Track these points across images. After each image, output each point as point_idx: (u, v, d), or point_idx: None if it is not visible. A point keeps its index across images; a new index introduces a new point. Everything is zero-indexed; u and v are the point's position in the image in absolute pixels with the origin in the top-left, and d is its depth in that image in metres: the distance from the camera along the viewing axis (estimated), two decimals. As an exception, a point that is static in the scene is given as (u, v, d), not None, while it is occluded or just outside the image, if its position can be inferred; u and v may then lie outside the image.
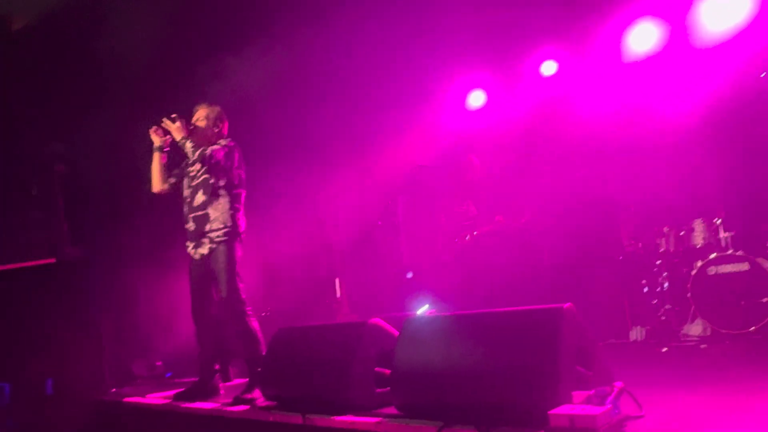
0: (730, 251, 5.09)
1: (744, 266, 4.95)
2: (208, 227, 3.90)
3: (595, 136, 6.28)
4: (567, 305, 2.39)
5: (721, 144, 5.64)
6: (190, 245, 4.00)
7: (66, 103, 5.61)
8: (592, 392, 2.23)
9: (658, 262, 5.61)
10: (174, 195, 4.21)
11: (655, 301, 5.55)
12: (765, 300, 4.76)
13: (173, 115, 3.95)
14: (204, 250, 3.92)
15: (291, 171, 6.99)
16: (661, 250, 5.61)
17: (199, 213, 3.93)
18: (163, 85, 5.60)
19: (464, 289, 5.88)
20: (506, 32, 6.42)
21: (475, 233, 5.98)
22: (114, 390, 4.78)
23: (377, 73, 6.75)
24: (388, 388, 2.83)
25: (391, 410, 2.74)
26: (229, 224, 3.91)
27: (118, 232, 5.91)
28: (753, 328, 4.76)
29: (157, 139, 4.06)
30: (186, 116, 4.06)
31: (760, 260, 4.92)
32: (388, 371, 2.88)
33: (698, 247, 5.39)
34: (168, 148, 4.12)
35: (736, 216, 5.32)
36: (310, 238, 7.13)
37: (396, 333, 2.97)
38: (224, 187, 3.94)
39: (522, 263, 6.37)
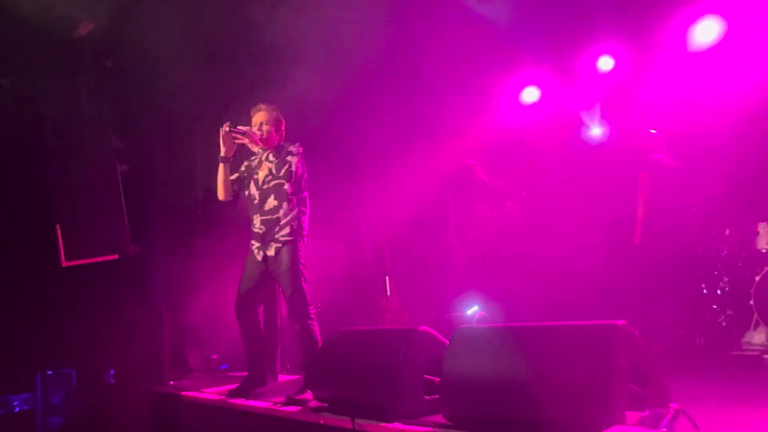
0: (797, 257, 4.87)
1: (813, 273, 4.72)
2: (278, 230, 3.98)
3: (652, 136, 6.08)
4: (621, 322, 2.34)
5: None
6: (256, 245, 4.07)
7: (128, 102, 5.81)
8: (646, 413, 2.18)
9: (719, 266, 5.41)
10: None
11: (715, 307, 5.36)
12: (835, 309, 4.53)
13: (245, 129, 4.04)
14: (270, 251, 3.99)
15: (342, 167, 7.06)
16: (723, 253, 5.41)
17: (271, 217, 4.00)
18: (218, 89, 5.74)
19: (515, 291, 5.82)
20: (564, 27, 6.29)
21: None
22: (172, 383, 4.96)
23: (431, 70, 6.73)
24: (437, 395, 2.84)
25: (439, 418, 2.75)
26: (296, 227, 4.00)
27: (175, 229, 6.10)
28: (821, 338, 4.55)
29: (225, 148, 4.10)
30: (244, 120, 4.14)
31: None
32: (437, 379, 2.89)
33: (763, 251, 5.18)
34: (232, 157, 4.18)
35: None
36: (360, 236, 7.20)
37: (445, 341, 2.97)
38: (294, 193, 4.04)
39: (573, 263, 6.26)
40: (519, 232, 5.95)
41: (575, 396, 2.24)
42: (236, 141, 4.05)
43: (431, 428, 2.65)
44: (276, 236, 3.97)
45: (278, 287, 4.22)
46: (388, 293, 6.26)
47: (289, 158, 3.99)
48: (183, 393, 4.37)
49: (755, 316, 4.99)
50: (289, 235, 3.95)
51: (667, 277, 5.81)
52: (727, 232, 5.44)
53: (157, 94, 5.61)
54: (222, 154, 4.09)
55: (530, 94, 7.28)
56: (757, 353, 4.76)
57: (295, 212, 3.99)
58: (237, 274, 4.31)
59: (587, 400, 2.21)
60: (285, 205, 3.98)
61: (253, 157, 4.23)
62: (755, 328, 5.06)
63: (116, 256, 5.37)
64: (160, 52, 5.14)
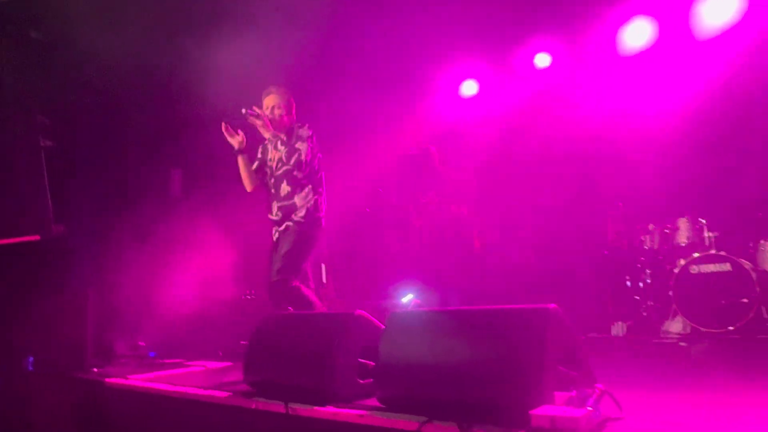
0: (713, 251, 5.16)
1: (726, 266, 5.02)
2: (293, 214, 4.01)
3: (585, 133, 6.30)
4: (553, 306, 2.40)
5: (708, 145, 5.69)
6: (274, 230, 4.11)
7: (55, 76, 5.51)
8: (573, 393, 2.25)
9: (642, 259, 5.67)
10: (158, 178, 4.19)
11: (637, 297, 5.62)
12: (745, 300, 4.84)
13: (258, 112, 3.96)
14: (283, 228, 4.04)
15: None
16: (646, 247, 5.67)
17: (287, 203, 4.02)
18: (153, 68, 5.51)
19: (446, 280, 5.90)
20: (501, 21, 6.39)
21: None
22: (96, 369, 4.76)
23: (369, 59, 6.71)
24: (371, 379, 2.85)
25: (373, 402, 2.75)
26: (312, 209, 4.02)
27: (106, 211, 5.85)
28: (732, 327, 4.84)
29: (235, 142, 4.07)
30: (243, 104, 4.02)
31: (741, 261, 4.99)
32: (371, 363, 2.89)
33: (682, 245, 5.46)
34: (245, 147, 4.12)
35: (720, 217, 5.38)
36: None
37: (381, 325, 2.98)
38: (307, 176, 4.03)
39: (506, 253, 6.41)
40: (463, 225, 6.01)
41: (507, 377, 2.28)
42: (252, 123, 3.97)
43: (365, 411, 2.65)
44: (292, 218, 4.01)
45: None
46: (324, 281, 6.22)
47: (298, 145, 3.96)
48: (107, 380, 4.20)
49: (674, 306, 5.26)
50: (303, 217, 3.99)
51: (594, 269, 6.06)
52: (650, 226, 5.71)
53: (87, 68, 5.34)
54: (235, 147, 4.06)
55: (469, 88, 7.39)
56: (674, 341, 5.02)
57: (310, 196, 4.01)
58: (170, 259, 4.20)
59: (518, 381, 2.26)
60: (299, 190, 4.00)
61: (265, 142, 4.19)
62: (673, 317, 5.34)
63: (38, 237, 5.09)
64: (90, 24, 4.89)
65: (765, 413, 2.43)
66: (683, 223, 5.48)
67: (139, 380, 4.10)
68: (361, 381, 2.98)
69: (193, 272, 5.76)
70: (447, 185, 5.97)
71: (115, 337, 5.60)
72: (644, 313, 5.55)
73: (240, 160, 4.11)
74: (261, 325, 3.48)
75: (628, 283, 5.77)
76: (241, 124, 4.08)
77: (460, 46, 6.69)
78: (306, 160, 3.95)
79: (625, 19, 6.18)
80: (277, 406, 2.95)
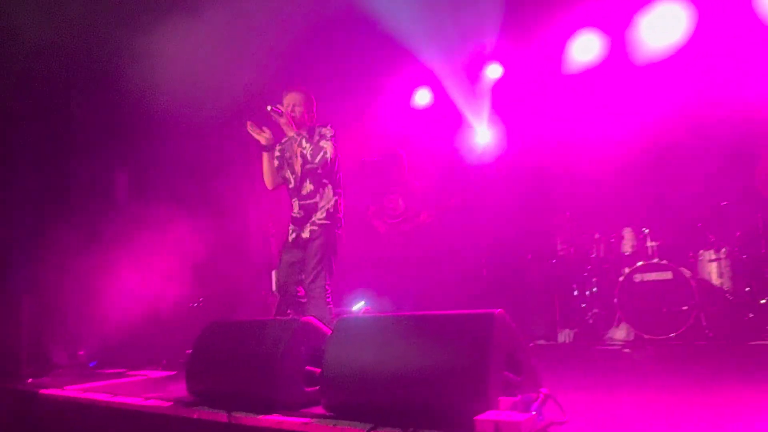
0: (655, 260, 5.31)
1: (667, 275, 5.17)
2: (314, 214, 3.99)
3: (536, 144, 6.42)
4: (498, 311, 2.41)
5: (652, 159, 5.88)
6: (291, 228, 4.05)
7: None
8: (518, 398, 2.26)
9: (588, 267, 5.80)
10: (103, 181, 4.05)
11: (583, 305, 5.73)
12: (685, 308, 4.99)
13: (282, 110, 3.94)
14: (305, 233, 3.98)
15: (233, 159, 6.83)
16: (592, 255, 5.80)
17: (309, 202, 4.01)
18: (97, 64, 5.34)
19: (400, 287, 5.90)
20: (455, 30, 6.46)
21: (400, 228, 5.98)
22: (30, 380, 4.55)
23: (323, 65, 6.68)
24: (318, 386, 2.80)
25: (319, 410, 2.70)
26: (332, 210, 4.01)
27: (46, 214, 5.63)
28: (673, 334, 4.99)
29: (262, 138, 4.05)
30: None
31: (682, 269, 5.15)
32: (318, 370, 2.84)
33: (627, 254, 5.60)
34: (273, 145, 4.10)
35: (662, 227, 5.56)
36: (248, 228, 7.00)
37: (328, 331, 2.93)
38: (328, 175, 4.03)
39: (458, 261, 6.45)
40: (425, 232, 5.98)
41: (452, 382, 2.28)
42: (276, 120, 3.92)
43: (310, 419, 2.60)
44: (313, 219, 3.98)
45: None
46: (274, 288, 6.12)
47: (323, 143, 3.94)
48: (42, 391, 4.01)
49: (618, 313, 5.39)
50: (325, 218, 3.96)
51: (543, 277, 6.16)
52: (596, 235, 5.85)
53: (26, 63, 5.12)
54: (263, 143, 4.05)
55: (422, 97, 7.43)
56: (618, 347, 5.14)
57: (331, 195, 4.01)
58: (117, 264, 4.05)
59: (464, 387, 2.26)
60: (321, 189, 3.99)
61: (284, 140, 4.14)
62: (618, 324, 5.47)
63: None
64: (29, 17, 4.70)
65: (701, 414, 2.50)
66: (628, 233, 5.64)
67: (76, 391, 3.94)
68: (308, 388, 2.93)
69: (137, 279, 5.59)
70: (414, 192, 5.95)
71: (52, 345, 5.37)
72: (590, 321, 5.67)
73: (265, 157, 4.10)
74: (205, 333, 3.39)
75: (575, 292, 5.88)
76: (265, 121, 4.06)
77: (413, 54, 6.73)
78: (331, 159, 3.94)
79: (573, 33, 6.34)
80: (219, 416, 2.87)
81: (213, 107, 5.71)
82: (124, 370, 4.99)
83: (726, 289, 5.17)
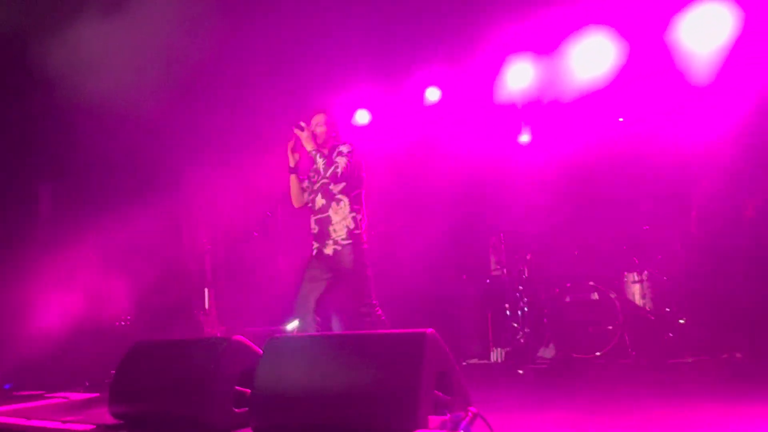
0: (583, 281, 5.50)
1: (594, 296, 5.36)
2: (331, 229, 4.03)
3: (471, 164, 6.57)
4: (430, 331, 2.44)
5: (581, 183, 6.13)
6: (315, 245, 4.11)
7: None
8: (447, 417, 2.29)
9: (520, 288, 5.94)
10: (22, 195, 3.85)
11: (515, 324, 5.86)
12: (610, 327, 5.18)
13: (303, 126, 4.06)
14: (329, 250, 4.01)
15: (166, 174, 6.67)
16: (524, 276, 5.95)
17: (321, 216, 4.07)
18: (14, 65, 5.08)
19: (334, 306, 5.85)
20: (395, 53, 6.57)
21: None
22: (-64, 404, 4.24)
23: (262, 82, 6.64)
24: (247, 408, 2.74)
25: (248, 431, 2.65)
26: (351, 226, 4.02)
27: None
28: (599, 353, 5.16)
29: (293, 160, 4.18)
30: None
31: (608, 291, 5.35)
32: (248, 391, 2.79)
33: (556, 275, 5.77)
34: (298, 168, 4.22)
35: (591, 249, 5.77)
36: (182, 246, 6.82)
37: (260, 351, 2.89)
38: (342, 191, 4.06)
39: (392, 280, 6.46)
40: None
41: (384, 402, 2.28)
42: (298, 135, 4.04)
43: (238, 441, 2.54)
44: (333, 236, 4.02)
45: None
46: (207, 306, 5.98)
47: (337, 159, 4.03)
48: (-51, 415, 3.75)
49: (548, 333, 5.54)
50: (347, 237, 3.99)
51: (477, 297, 6.27)
52: (528, 256, 6.01)
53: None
54: (291, 164, 4.18)
55: (362, 117, 7.49)
56: (547, 366, 5.27)
57: (347, 212, 4.03)
58: (38, 282, 3.85)
59: (395, 406, 2.26)
60: (334, 204, 4.04)
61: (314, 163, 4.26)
62: (547, 344, 5.62)
63: None
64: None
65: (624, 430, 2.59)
66: (558, 255, 5.82)
67: (-13, 415, 3.70)
68: (237, 410, 2.87)
69: (60, 296, 5.34)
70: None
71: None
72: (521, 340, 5.80)
73: (293, 179, 4.22)
74: (131, 353, 3.27)
75: (508, 311, 6.01)
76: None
77: (353, 75, 6.79)
78: (343, 174, 4.00)
79: (506, 60, 6.55)
80: (143, 439, 2.77)
81: (143, 117, 5.57)
82: (43, 392, 4.74)
83: (648, 309, 5.41)
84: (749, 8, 5.31)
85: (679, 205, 5.44)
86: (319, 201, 4.08)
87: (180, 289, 6.25)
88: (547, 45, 6.29)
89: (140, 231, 5.96)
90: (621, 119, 6.14)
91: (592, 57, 6.07)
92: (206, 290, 6.06)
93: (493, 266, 6.30)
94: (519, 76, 6.54)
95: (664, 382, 4.28)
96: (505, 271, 6.14)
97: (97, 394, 4.46)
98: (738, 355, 4.80)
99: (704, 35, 5.51)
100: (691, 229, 5.29)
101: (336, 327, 4.44)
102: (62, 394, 4.55)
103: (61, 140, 5.72)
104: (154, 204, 6.16)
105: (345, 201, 4.05)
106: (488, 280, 6.30)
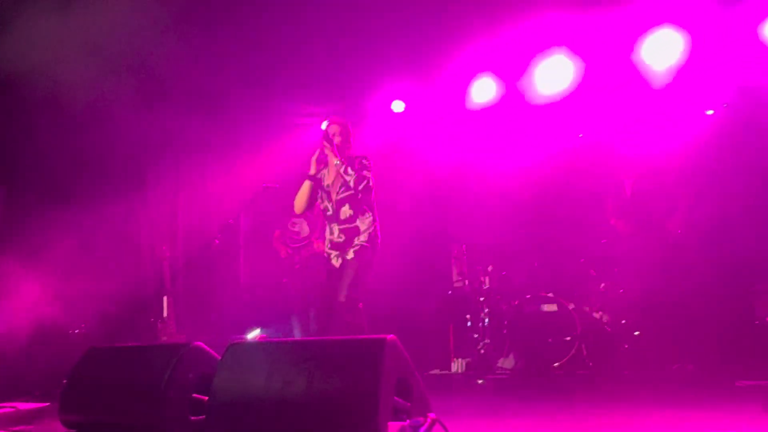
0: (542, 293, 5.59)
1: (553, 307, 5.45)
2: (356, 239, 4.23)
3: (437, 177, 6.63)
4: (390, 337, 2.45)
5: (542, 197, 6.25)
6: (334, 253, 4.28)
7: None
8: (406, 423, 2.30)
9: (481, 299, 6.00)
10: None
11: (476, 335, 5.91)
12: (568, 338, 5.27)
13: (331, 139, 4.26)
14: (350, 255, 4.21)
15: (128, 179, 6.55)
16: (485, 287, 6.01)
17: (349, 225, 4.26)
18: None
19: (296, 313, 5.82)
20: (361, 67, 6.61)
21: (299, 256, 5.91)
22: None
23: (228, 88, 6.61)
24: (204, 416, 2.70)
25: (206, 440, 2.60)
26: (373, 233, 4.29)
27: None
28: (557, 363, 5.24)
29: (314, 167, 4.33)
30: None
31: (566, 302, 5.46)
32: (205, 398, 2.74)
33: (517, 286, 5.86)
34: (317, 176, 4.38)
35: (550, 261, 5.88)
36: (140, 251, 6.69)
37: (219, 357, 2.85)
38: (367, 202, 4.31)
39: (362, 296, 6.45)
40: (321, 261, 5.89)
41: (343, 408, 2.27)
42: (325, 152, 4.22)
43: (194, 449, 2.50)
44: (356, 242, 4.23)
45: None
46: (165, 315, 5.86)
47: (365, 173, 4.25)
48: None
49: (507, 343, 5.61)
50: (367, 241, 4.23)
51: (439, 307, 6.31)
52: (489, 268, 6.08)
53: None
54: (312, 172, 4.34)
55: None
56: (507, 376, 5.33)
57: (370, 221, 4.28)
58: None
59: (354, 412, 2.26)
60: (362, 215, 4.27)
61: (321, 170, 4.42)
62: (507, 354, 5.68)
63: None
64: None
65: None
66: (518, 266, 5.91)
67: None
68: (194, 418, 2.82)
69: (11, 302, 5.16)
70: (317, 218, 5.87)
71: None
72: (482, 351, 5.84)
73: (309, 184, 4.35)
74: (84, 360, 3.18)
75: (469, 322, 6.06)
76: None
77: (318, 87, 6.81)
78: (372, 187, 4.28)
79: (472, 75, 6.66)
80: (94, 448, 2.69)
81: (102, 119, 5.47)
82: (-11, 402, 4.56)
83: (605, 321, 5.53)
84: (695, 33, 5.57)
85: (636, 220, 5.58)
86: (346, 211, 4.27)
87: (137, 297, 6.11)
88: (512, 62, 6.42)
89: (98, 236, 5.83)
90: (581, 135, 6.29)
91: (555, 74, 6.23)
92: (164, 298, 5.93)
93: (455, 277, 6.36)
94: (483, 91, 6.65)
95: (619, 392, 4.38)
96: (466, 282, 6.20)
97: (47, 404, 4.32)
98: (689, 366, 4.94)
99: (659, 55, 5.74)
100: (648, 243, 5.43)
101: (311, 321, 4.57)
102: (10, 403, 4.38)
103: (16, 142, 5.56)
104: (113, 208, 6.03)
105: (369, 211, 4.31)
106: (450, 291, 6.35)
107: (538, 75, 6.31)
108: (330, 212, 4.33)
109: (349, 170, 4.22)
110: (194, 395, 2.84)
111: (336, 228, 4.29)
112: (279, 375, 2.47)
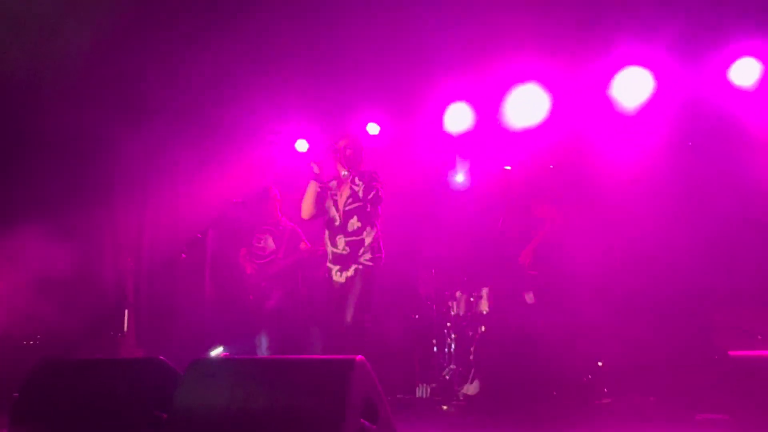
0: (510, 319, 5.60)
1: (519, 333, 5.46)
2: (361, 251, 4.21)
3: (407, 199, 6.66)
4: (359, 358, 2.42)
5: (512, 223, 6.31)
6: (336, 268, 4.26)
7: None
8: (371, 445, 2.27)
9: (448, 324, 6.00)
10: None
11: (442, 361, 5.90)
12: (533, 367, 5.27)
13: (339, 149, 4.30)
14: (350, 272, 4.19)
15: (94, 186, 6.41)
16: (453, 312, 6.01)
17: (356, 238, 4.24)
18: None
19: (261, 331, 5.70)
20: (337, 89, 6.65)
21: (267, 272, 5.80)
22: None
23: (202, 104, 6.57)
24: (164, 433, 2.62)
25: (163, 458, 2.52)
26: (376, 249, 4.27)
27: None
28: (521, 392, 5.23)
29: (317, 168, 4.34)
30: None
31: (531, 329, 5.46)
32: (165, 415, 2.66)
33: (484, 313, 5.87)
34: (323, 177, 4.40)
35: (517, 288, 5.90)
36: (103, 262, 6.52)
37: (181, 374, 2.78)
38: (375, 216, 4.32)
39: (325, 310, 6.39)
40: (286, 277, 5.79)
41: (308, 428, 2.23)
42: (334, 156, 4.29)
43: (150, 468, 2.41)
44: (359, 258, 4.21)
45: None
46: (125, 328, 5.71)
47: (375, 184, 4.28)
48: None
49: (473, 370, 5.59)
50: (371, 260, 4.23)
51: (405, 331, 6.27)
52: (457, 293, 6.09)
53: None
54: (316, 171, 4.34)
55: (301, 146, 7.47)
56: (471, 403, 5.31)
57: (374, 235, 4.27)
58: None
59: (318, 433, 2.22)
60: (369, 228, 4.25)
61: (332, 181, 4.43)
62: (472, 381, 5.66)
63: None
64: None
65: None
66: (485, 293, 5.92)
67: None
68: (152, 435, 2.73)
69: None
70: (284, 231, 5.75)
71: None
72: (447, 377, 5.82)
73: (314, 186, 4.35)
74: (36, 372, 3.06)
75: (435, 348, 6.04)
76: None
77: (294, 107, 6.82)
78: (381, 198, 4.29)
79: (445, 104, 6.75)
80: (43, 466, 2.58)
81: (69, 125, 5.37)
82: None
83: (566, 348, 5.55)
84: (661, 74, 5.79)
85: (601, 248, 5.67)
86: (354, 223, 4.24)
87: (98, 308, 5.95)
88: (484, 93, 6.53)
89: (58, 244, 5.68)
90: (508, 167, 6.27)
91: (525, 106, 6.37)
92: (126, 311, 5.79)
93: (423, 302, 6.34)
94: (456, 118, 6.75)
95: (581, 422, 4.40)
96: (434, 307, 6.19)
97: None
98: (650, 398, 5.00)
99: (628, 93, 5.94)
100: (609, 273, 5.52)
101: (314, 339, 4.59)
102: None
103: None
104: (77, 217, 5.90)
105: (375, 226, 4.31)
106: (417, 316, 6.33)
107: (510, 105, 6.44)
108: (337, 223, 4.31)
109: (357, 180, 4.26)
110: (155, 412, 2.76)
111: (342, 240, 4.25)
112: (241, 392, 2.42)
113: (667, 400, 4.84)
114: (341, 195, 4.34)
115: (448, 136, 6.81)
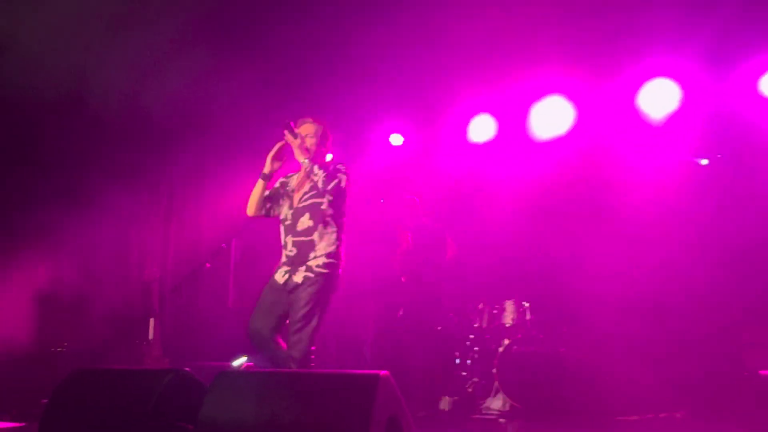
0: (533, 333, 5.56)
1: (543, 347, 5.41)
2: (312, 255, 3.58)
3: (432, 210, 6.65)
4: (384, 373, 2.42)
5: (535, 236, 6.26)
6: (283, 270, 3.63)
7: None
8: (395, 463, 2.25)
9: (471, 337, 5.95)
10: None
11: (464, 374, 5.85)
12: (557, 380, 5.21)
13: (297, 132, 3.63)
14: (299, 278, 3.56)
15: (116, 195, 6.51)
16: (475, 325, 5.97)
17: (304, 239, 3.60)
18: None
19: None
20: (361, 101, 6.69)
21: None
22: None
23: (229, 114, 6.64)
24: (189, 445, 2.64)
25: (188, 470, 2.54)
26: (333, 256, 3.62)
27: None
28: (545, 405, 5.17)
29: (275, 165, 3.72)
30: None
31: (556, 344, 5.42)
32: (191, 426, 2.68)
33: (507, 326, 5.82)
34: (273, 176, 3.77)
35: (541, 301, 5.86)
36: (129, 272, 6.61)
37: (207, 385, 2.79)
38: (333, 215, 3.66)
39: (345, 323, 6.40)
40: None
41: (332, 444, 2.23)
42: (288, 141, 3.61)
43: (176, 480, 2.43)
44: (308, 263, 3.57)
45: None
46: (150, 337, 5.76)
47: (339, 175, 3.64)
48: None
49: (496, 383, 5.54)
50: (324, 267, 3.56)
51: (428, 344, 6.23)
52: (480, 306, 6.05)
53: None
54: (266, 170, 3.71)
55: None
56: (494, 417, 5.25)
57: (333, 239, 3.63)
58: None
59: (343, 449, 2.21)
60: (323, 228, 3.61)
61: (290, 174, 3.84)
62: (495, 394, 5.61)
63: None
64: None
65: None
66: (509, 305, 5.88)
67: None
68: (177, 446, 2.75)
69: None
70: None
71: None
72: (469, 390, 5.77)
73: (261, 184, 3.72)
74: (66, 381, 3.10)
75: (457, 360, 6.00)
76: None
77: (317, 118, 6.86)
78: (344, 189, 3.65)
79: (471, 113, 6.75)
80: (72, 475, 2.61)
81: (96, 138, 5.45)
82: (-35, 419, 4.45)
83: (596, 364, 5.48)
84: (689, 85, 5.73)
85: (627, 263, 5.60)
86: (305, 222, 3.61)
87: (124, 317, 6.02)
88: (509, 103, 6.53)
89: (84, 254, 5.77)
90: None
91: (550, 118, 6.34)
92: (151, 320, 5.85)
93: (446, 314, 6.31)
94: (481, 129, 6.74)
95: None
96: (457, 319, 6.16)
97: (24, 423, 4.22)
98: (678, 414, 4.90)
99: (655, 104, 5.89)
100: (642, 288, 5.45)
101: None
102: (-14, 422, 4.29)
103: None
104: (102, 227, 5.98)
105: (333, 226, 3.65)
106: (440, 327, 6.29)
107: (535, 117, 6.41)
108: (288, 221, 3.67)
109: (316, 169, 3.55)
110: (179, 423, 2.78)
111: (290, 240, 3.63)
112: (268, 406, 2.43)
113: (696, 418, 4.74)
114: (298, 189, 3.75)
115: (472, 146, 6.80)
